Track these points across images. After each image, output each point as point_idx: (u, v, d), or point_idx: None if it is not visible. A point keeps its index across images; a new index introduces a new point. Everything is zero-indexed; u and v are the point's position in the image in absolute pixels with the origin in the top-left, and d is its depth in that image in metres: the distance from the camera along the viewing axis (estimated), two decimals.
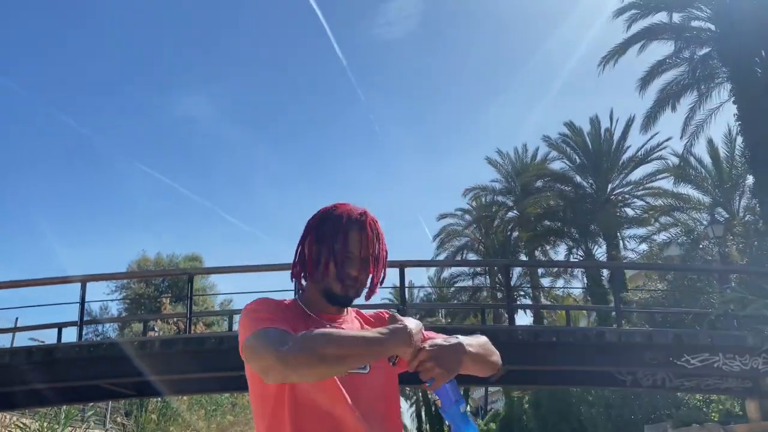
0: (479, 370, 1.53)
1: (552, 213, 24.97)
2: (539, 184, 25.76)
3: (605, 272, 21.53)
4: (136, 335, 22.43)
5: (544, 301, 28.70)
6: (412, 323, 1.41)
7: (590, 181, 23.96)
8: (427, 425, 49.86)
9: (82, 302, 8.25)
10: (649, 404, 12.84)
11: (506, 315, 9.10)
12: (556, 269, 25.51)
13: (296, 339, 1.35)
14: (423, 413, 52.21)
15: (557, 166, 25.29)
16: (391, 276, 9.73)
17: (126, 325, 26.32)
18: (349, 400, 1.43)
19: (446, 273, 35.36)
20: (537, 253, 27.91)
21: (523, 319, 33.73)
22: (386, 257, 1.60)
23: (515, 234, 29.63)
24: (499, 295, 30.16)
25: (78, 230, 72.09)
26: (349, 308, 1.62)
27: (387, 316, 1.56)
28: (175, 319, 17.99)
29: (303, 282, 1.60)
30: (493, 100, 79.53)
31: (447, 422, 1.37)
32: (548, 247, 27.61)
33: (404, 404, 64.62)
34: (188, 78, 79.93)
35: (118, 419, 16.78)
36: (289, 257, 1.63)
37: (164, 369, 8.27)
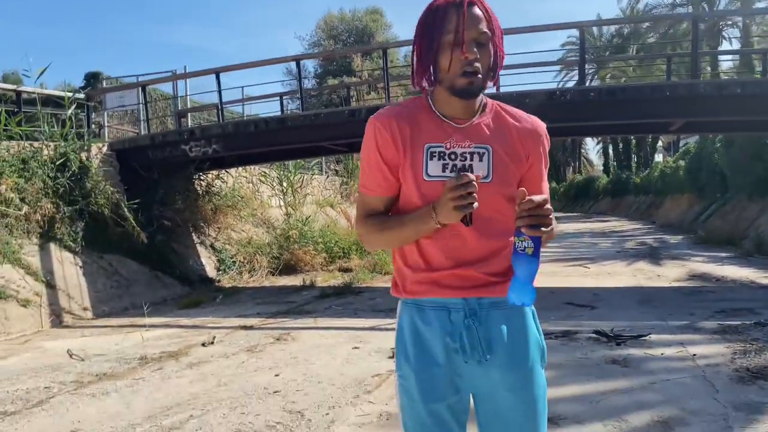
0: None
1: None
2: None
3: None
4: (332, 89, 24.74)
5: (755, 29, 25.57)
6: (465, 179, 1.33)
7: None
8: (614, 161, 50.23)
9: (299, 78, 9.73)
10: None
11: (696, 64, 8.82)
12: None
13: (363, 224, 1.57)
14: (610, 149, 52.34)
15: None
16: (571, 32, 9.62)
17: (323, 81, 28.87)
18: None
19: (641, 3, 32.31)
20: None
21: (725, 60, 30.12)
22: (501, 35, 1.50)
23: None
24: (703, 26, 27.30)
25: None
26: (489, 106, 1.55)
27: (542, 131, 1.54)
28: (368, 78, 19.61)
29: (428, 89, 1.53)
30: None
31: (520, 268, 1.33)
32: None
33: (591, 142, 64.48)
34: None
35: (332, 166, 19.82)
36: None
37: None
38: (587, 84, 9.23)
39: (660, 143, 48.12)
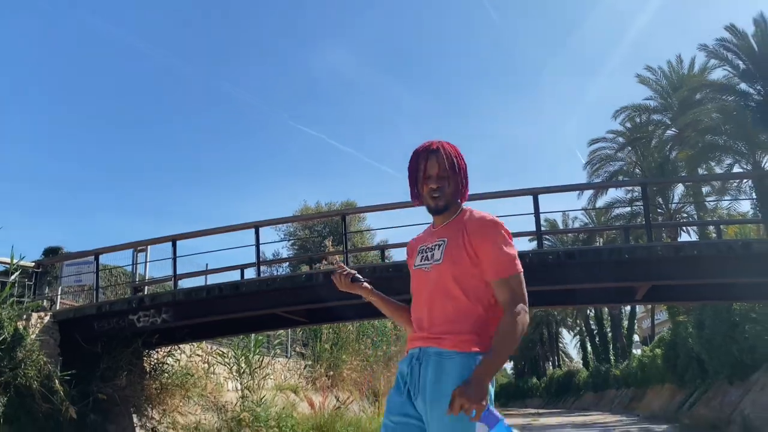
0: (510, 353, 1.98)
1: (715, 127, 23.12)
2: (698, 96, 23.92)
3: None
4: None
5: (711, 228, 26.83)
6: None
7: (758, 87, 21.80)
8: (593, 355, 49.34)
9: (257, 244, 9.56)
10: None
11: (662, 235, 8.94)
12: (716, 184, 23.81)
13: None
14: (588, 343, 51.71)
15: (717, 75, 23.30)
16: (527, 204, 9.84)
17: (296, 267, 28.94)
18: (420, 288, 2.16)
19: (601, 201, 34.19)
20: (701, 170, 26.12)
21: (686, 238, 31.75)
22: (464, 167, 2.13)
23: (674, 153, 27.80)
24: (660, 218, 28.72)
25: (247, 187, 78.63)
26: (462, 212, 2.14)
27: (483, 224, 2.06)
28: (337, 258, 19.59)
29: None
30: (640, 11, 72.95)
31: None
32: (713, 164, 25.76)
33: (568, 336, 64.22)
34: (325, 32, 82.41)
35: (297, 348, 18.89)
36: None
37: (327, 297, 9.37)
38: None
39: (636, 338, 47.97)
